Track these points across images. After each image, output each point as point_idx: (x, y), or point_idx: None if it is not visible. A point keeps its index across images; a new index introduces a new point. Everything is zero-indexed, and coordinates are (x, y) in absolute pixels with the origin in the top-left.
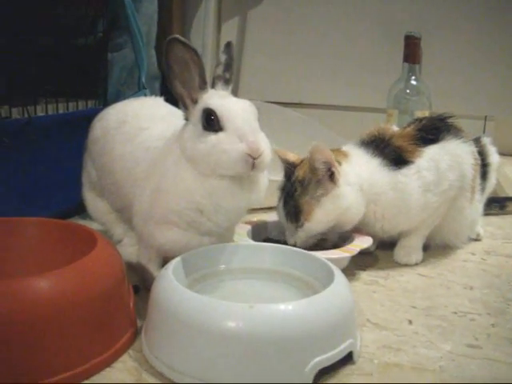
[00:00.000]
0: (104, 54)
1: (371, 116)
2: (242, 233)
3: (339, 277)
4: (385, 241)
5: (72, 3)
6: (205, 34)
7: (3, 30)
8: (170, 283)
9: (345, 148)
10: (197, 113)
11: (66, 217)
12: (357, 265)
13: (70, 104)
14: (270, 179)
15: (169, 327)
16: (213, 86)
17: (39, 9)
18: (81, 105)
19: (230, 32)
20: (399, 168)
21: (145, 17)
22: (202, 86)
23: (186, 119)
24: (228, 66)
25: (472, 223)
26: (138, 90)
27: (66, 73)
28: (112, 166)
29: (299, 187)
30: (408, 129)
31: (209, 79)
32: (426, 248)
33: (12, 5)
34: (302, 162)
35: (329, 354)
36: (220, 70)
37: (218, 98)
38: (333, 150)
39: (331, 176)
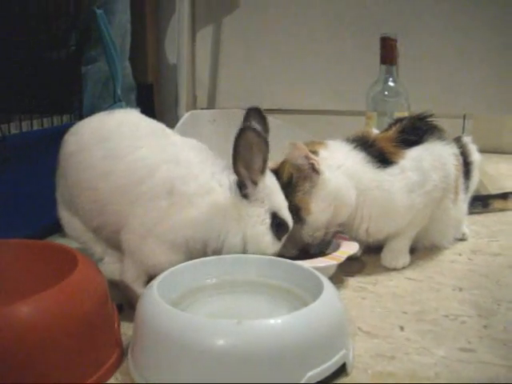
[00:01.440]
0: (77, 68)
1: (351, 119)
2: None
3: (328, 287)
4: (371, 245)
5: (43, 17)
6: (179, 44)
7: None
8: (154, 302)
9: (326, 141)
10: (266, 203)
11: (45, 235)
12: (344, 271)
13: (45, 120)
14: None
15: (156, 347)
16: None
17: (9, 23)
18: (56, 120)
19: (204, 40)
20: (384, 167)
21: (118, 28)
22: (263, 171)
23: (244, 196)
24: None
25: (457, 223)
26: (114, 102)
27: (39, 88)
28: (93, 183)
29: (288, 188)
30: (390, 132)
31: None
32: (412, 250)
33: None
34: (281, 164)
35: (322, 367)
36: None
37: (281, 201)
38: (308, 143)
39: (313, 167)
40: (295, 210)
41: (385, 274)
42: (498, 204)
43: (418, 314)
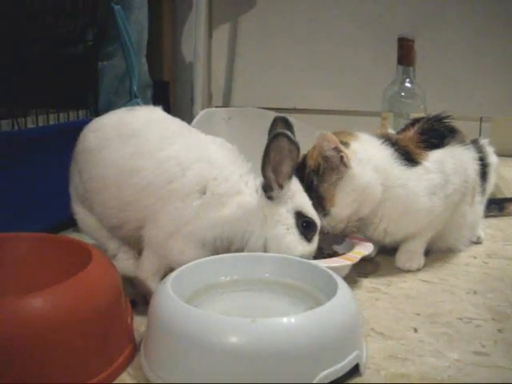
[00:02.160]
0: (94, 63)
1: (366, 120)
2: None
3: (343, 287)
4: (386, 246)
5: (61, 12)
6: (196, 42)
7: None
8: (168, 298)
9: (356, 133)
10: (290, 203)
11: (60, 230)
12: (358, 272)
13: (61, 115)
14: None
15: (169, 344)
16: None
17: (28, 18)
18: (72, 115)
19: (221, 38)
20: (410, 166)
21: (135, 25)
22: (290, 175)
23: (270, 197)
24: None
25: (473, 226)
26: (130, 99)
27: (56, 83)
28: (116, 180)
29: (315, 177)
30: (409, 133)
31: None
32: (427, 253)
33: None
34: (309, 152)
35: (335, 367)
36: None
37: (309, 204)
38: (339, 133)
39: (341, 159)
40: (319, 199)
41: (399, 275)
42: None
43: (432, 317)
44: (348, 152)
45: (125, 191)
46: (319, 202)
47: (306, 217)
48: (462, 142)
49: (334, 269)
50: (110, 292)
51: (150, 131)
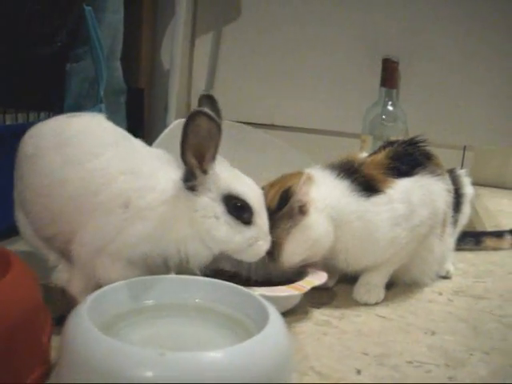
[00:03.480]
0: (61, 65)
1: (345, 141)
2: None
3: (274, 319)
4: (347, 275)
5: (34, 12)
6: (173, 49)
7: None
8: (81, 322)
9: (309, 171)
10: (214, 189)
11: (9, 235)
12: (311, 302)
13: (20, 115)
14: None
15: (75, 371)
16: None
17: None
18: (32, 116)
19: (204, 48)
20: (369, 196)
21: (107, 27)
22: (214, 157)
23: (191, 188)
24: None
25: (441, 259)
26: (96, 103)
27: (19, 82)
28: (49, 191)
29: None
30: (379, 156)
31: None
32: (389, 286)
33: None
34: (269, 188)
35: None
36: None
37: (234, 179)
38: (290, 174)
39: (301, 207)
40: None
41: (354, 308)
42: (491, 242)
43: (380, 357)
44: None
45: (55, 202)
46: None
47: (237, 197)
48: (433, 171)
49: (281, 298)
50: (22, 306)
51: (81, 140)
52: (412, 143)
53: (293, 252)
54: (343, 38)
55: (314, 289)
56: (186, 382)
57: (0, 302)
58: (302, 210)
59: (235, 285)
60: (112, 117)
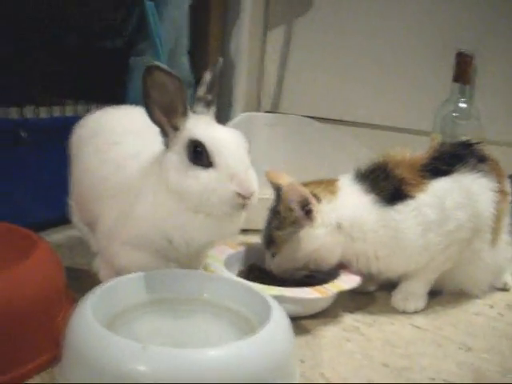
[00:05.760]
0: (126, 58)
1: (415, 139)
2: (219, 258)
3: (275, 318)
4: (392, 281)
5: (101, 6)
6: (240, 43)
7: (32, 30)
8: (83, 315)
9: (340, 181)
10: (180, 141)
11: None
12: (344, 306)
13: (81, 107)
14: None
15: (73, 361)
16: (192, 108)
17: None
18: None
19: (276, 41)
20: (393, 204)
21: (171, 23)
22: (184, 113)
23: (166, 146)
24: (211, 87)
25: (497, 269)
26: None
27: (89, 75)
28: (80, 178)
29: (276, 220)
30: (420, 156)
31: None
32: (436, 294)
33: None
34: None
35: None
36: (202, 91)
37: (204, 127)
38: (320, 183)
39: (308, 213)
40: (270, 240)
41: (389, 315)
42: None
43: (400, 371)
44: (316, 208)
45: (82, 190)
46: (268, 243)
47: (195, 141)
48: (475, 168)
49: (306, 300)
50: (40, 287)
51: (107, 131)
52: (466, 144)
53: (289, 256)
54: (415, 31)
55: (353, 292)
56: (166, 375)
57: (18, 282)
58: (309, 216)
59: (243, 281)
60: None
